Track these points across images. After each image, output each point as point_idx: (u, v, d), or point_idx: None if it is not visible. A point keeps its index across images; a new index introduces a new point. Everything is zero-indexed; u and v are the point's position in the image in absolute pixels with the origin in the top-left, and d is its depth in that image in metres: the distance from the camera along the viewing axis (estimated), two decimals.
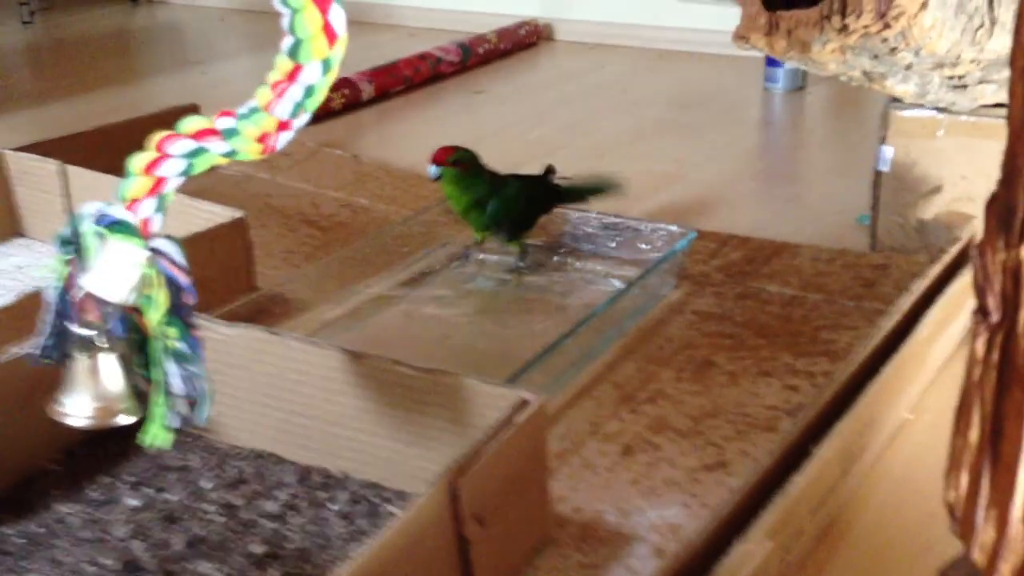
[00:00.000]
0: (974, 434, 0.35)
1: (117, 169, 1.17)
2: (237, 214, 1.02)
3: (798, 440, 0.66)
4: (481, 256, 1.13)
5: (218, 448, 0.80)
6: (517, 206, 1.08)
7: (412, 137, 1.63)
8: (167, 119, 1.36)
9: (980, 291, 0.34)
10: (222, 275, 1.00)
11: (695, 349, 0.96)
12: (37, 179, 1.18)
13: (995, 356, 0.34)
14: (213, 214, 1.01)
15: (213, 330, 0.78)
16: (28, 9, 2.53)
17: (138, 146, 1.44)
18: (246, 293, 1.00)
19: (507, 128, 1.67)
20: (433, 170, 1.06)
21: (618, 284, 1.05)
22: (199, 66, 2.13)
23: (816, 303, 1.03)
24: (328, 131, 1.63)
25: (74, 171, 1.15)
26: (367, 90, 1.77)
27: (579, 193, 1.12)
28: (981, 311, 0.34)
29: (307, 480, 0.77)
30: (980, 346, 0.35)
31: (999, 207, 0.33)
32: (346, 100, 1.73)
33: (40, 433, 0.76)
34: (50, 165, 1.16)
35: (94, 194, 1.12)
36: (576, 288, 1.07)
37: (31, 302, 0.85)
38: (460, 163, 1.06)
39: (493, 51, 2.09)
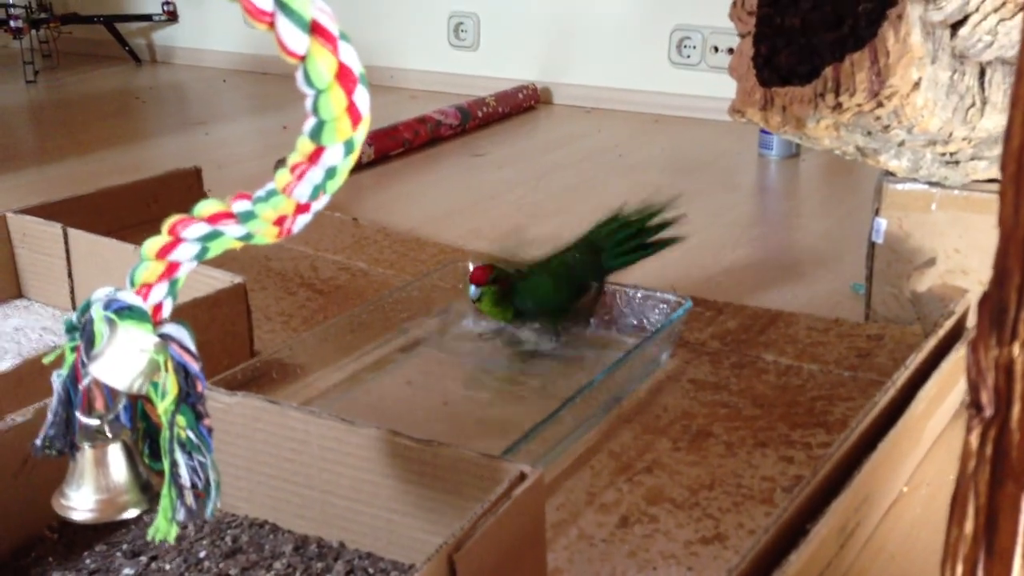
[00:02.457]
0: (969, 526, 0.36)
1: (119, 232, 1.19)
2: (237, 279, 1.02)
3: (795, 517, 0.66)
4: (513, 330, 1.11)
5: (214, 516, 0.80)
6: (551, 298, 1.06)
7: (411, 200, 1.65)
8: (169, 182, 1.39)
9: (974, 386, 0.34)
10: (222, 340, 1.00)
11: (692, 419, 0.96)
12: (39, 242, 1.19)
13: (988, 450, 0.34)
14: (213, 279, 1.02)
15: (213, 398, 0.78)
16: (32, 68, 2.56)
17: (140, 209, 1.44)
18: (246, 358, 1.00)
19: (506, 192, 1.68)
20: (473, 291, 1.04)
21: (615, 353, 1.05)
22: (202, 127, 2.15)
23: (812, 373, 1.04)
24: None
25: (75, 234, 1.16)
26: (367, 153, 1.79)
27: (631, 255, 1.09)
28: (975, 406, 0.35)
29: (303, 550, 0.77)
30: (974, 439, 0.35)
31: (991, 305, 0.34)
32: None
33: (36, 501, 0.76)
34: (53, 228, 1.17)
35: (95, 257, 1.14)
36: (573, 356, 1.08)
37: (29, 368, 0.86)
38: (499, 281, 1.04)
39: (492, 114, 2.12)
